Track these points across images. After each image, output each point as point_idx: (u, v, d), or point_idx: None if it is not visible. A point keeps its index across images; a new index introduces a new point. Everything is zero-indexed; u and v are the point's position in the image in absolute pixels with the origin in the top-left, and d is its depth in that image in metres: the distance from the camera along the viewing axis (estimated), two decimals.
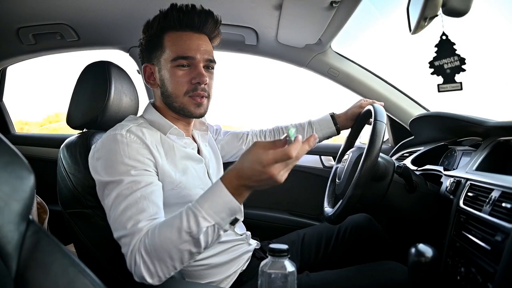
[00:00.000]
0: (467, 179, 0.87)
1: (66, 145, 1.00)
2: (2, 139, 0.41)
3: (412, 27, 0.80)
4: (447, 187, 0.96)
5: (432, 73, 0.80)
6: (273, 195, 1.80)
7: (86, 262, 0.43)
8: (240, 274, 1.02)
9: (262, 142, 0.67)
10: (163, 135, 0.94)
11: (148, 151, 0.85)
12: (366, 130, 1.26)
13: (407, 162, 1.32)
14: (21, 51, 1.70)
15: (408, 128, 1.53)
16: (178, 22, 0.91)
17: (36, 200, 1.41)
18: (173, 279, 0.83)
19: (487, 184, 0.77)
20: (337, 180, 1.13)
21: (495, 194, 0.71)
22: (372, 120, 1.00)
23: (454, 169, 1.04)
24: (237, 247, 1.03)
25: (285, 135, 0.66)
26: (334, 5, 1.08)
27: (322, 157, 1.80)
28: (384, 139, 1.20)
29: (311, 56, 1.55)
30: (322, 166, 1.79)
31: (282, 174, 0.66)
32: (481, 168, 0.89)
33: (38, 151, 1.99)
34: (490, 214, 0.69)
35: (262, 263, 0.65)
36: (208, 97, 0.96)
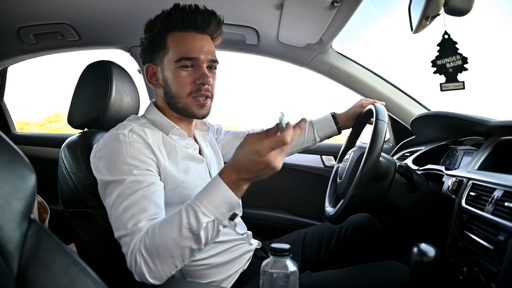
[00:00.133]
0: (469, 179, 0.87)
1: (67, 145, 0.99)
2: (3, 138, 0.41)
3: (414, 26, 0.80)
4: (449, 187, 0.95)
5: (434, 72, 0.80)
6: (274, 195, 1.80)
7: (87, 261, 0.43)
8: (242, 273, 1.02)
9: (254, 133, 0.68)
10: (165, 135, 0.94)
11: (150, 151, 0.85)
12: (367, 130, 1.26)
13: (408, 161, 1.32)
14: (22, 50, 1.70)
15: (409, 127, 1.53)
16: (182, 23, 0.91)
17: (37, 199, 1.41)
18: (175, 278, 0.83)
19: (489, 183, 0.77)
20: (338, 180, 1.12)
21: (497, 194, 0.71)
22: (373, 119, 1.00)
23: (455, 169, 1.04)
24: (238, 247, 1.03)
25: (277, 122, 0.68)
26: (335, 4, 1.07)
27: (323, 156, 1.80)
28: (385, 139, 1.19)
29: (312, 56, 1.55)
30: (323, 166, 1.79)
31: (279, 160, 0.67)
32: (483, 167, 0.89)
33: (39, 151, 1.99)
34: (492, 214, 0.69)
35: (264, 262, 0.65)
36: (211, 97, 0.96)
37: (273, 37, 1.47)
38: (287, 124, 0.67)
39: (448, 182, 0.97)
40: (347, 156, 1.13)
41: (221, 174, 0.71)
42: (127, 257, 0.74)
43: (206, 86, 0.92)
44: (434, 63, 0.79)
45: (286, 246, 0.64)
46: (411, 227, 1.18)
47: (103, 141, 0.86)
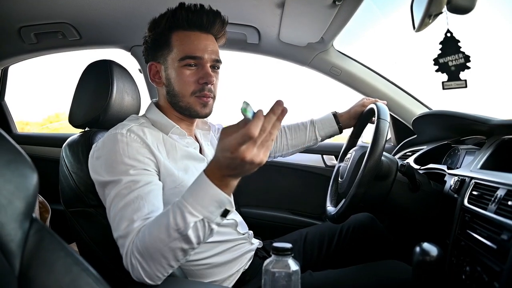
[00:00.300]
0: (472, 178, 0.86)
1: (68, 144, 0.99)
2: (5, 137, 0.41)
3: (416, 24, 0.79)
4: (451, 186, 0.95)
5: (436, 71, 0.80)
6: (275, 195, 1.80)
7: (88, 261, 0.43)
8: (243, 273, 1.02)
9: (227, 127, 0.62)
10: (165, 135, 0.94)
11: (149, 151, 0.85)
12: (369, 129, 1.25)
13: (410, 161, 1.32)
14: (23, 50, 1.70)
15: (411, 127, 1.52)
16: (187, 22, 0.91)
17: (38, 199, 1.41)
18: (176, 278, 0.83)
19: (492, 182, 0.76)
20: (339, 179, 1.12)
21: (500, 193, 0.70)
22: (375, 118, 0.99)
23: (457, 168, 1.03)
24: (239, 246, 1.02)
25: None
26: (337, 3, 1.07)
27: (324, 156, 1.79)
28: (387, 138, 1.19)
29: (313, 55, 1.55)
30: (324, 165, 1.79)
31: (255, 154, 0.60)
32: (485, 166, 0.89)
33: (40, 150, 1.99)
34: (495, 213, 0.69)
35: (266, 262, 0.65)
36: (214, 97, 0.96)
37: (274, 36, 1.46)
38: (256, 113, 0.59)
39: (450, 182, 0.96)
40: (348, 156, 1.13)
41: (206, 171, 0.68)
42: (124, 258, 0.74)
43: (209, 85, 0.92)
44: (436, 62, 0.79)
45: (288, 245, 0.63)
46: (413, 227, 1.18)
47: (101, 141, 0.86)
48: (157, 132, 0.93)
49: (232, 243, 1.00)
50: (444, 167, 1.09)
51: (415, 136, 1.52)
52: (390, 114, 1.61)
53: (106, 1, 1.28)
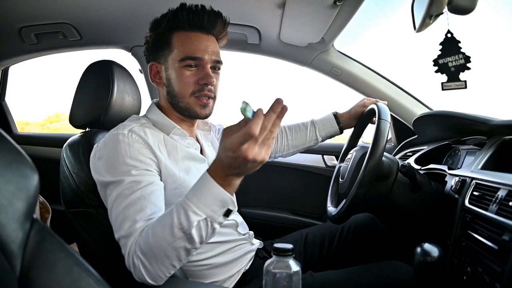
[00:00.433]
0: (473, 178, 0.86)
1: (68, 144, 0.99)
2: (5, 137, 0.41)
3: (417, 25, 0.79)
4: (452, 186, 0.95)
5: (436, 71, 0.80)
6: (276, 195, 1.80)
7: (89, 261, 0.42)
8: (244, 273, 1.02)
9: (228, 127, 0.63)
10: (166, 135, 0.94)
11: (150, 151, 0.85)
12: (369, 130, 1.25)
13: (411, 161, 1.32)
14: (23, 50, 1.70)
15: (411, 127, 1.52)
16: (188, 22, 0.91)
17: (38, 199, 1.40)
18: (176, 278, 0.83)
19: (493, 183, 0.76)
20: (340, 180, 1.12)
21: (501, 193, 0.70)
22: (376, 119, 0.99)
23: (458, 168, 1.03)
24: (240, 247, 1.02)
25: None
26: (337, 3, 1.07)
27: (324, 156, 1.79)
28: (387, 138, 1.19)
29: (314, 55, 1.55)
30: (325, 166, 1.78)
31: (257, 153, 0.61)
32: (486, 167, 0.88)
33: (40, 151, 1.99)
34: (497, 213, 0.69)
35: (267, 262, 0.64)
36: (214, 98, 0.96)
37: (274, 37, 1.46)
38: (256, 112, 0.60)
39: (451, 182, 0.96)
40: (349, 156, 1.12)
41: (209, 170, 0.68)
42: (126, 259, 0.74)
43: (209, 86, 0.92)
44: (435, 62, 0.79)
45: (289, 246, 0.63)
46: (414, 227, 1.17)
47: (103, 142, 0.86)
48: (158, 133, 0.93)
49: (232, 244, 1.00)
50: (445, 168, 1.09)
51: (416, 136, 1.52)
52: (391, 115, 1.60)
53: (106, 1, 1.28)
